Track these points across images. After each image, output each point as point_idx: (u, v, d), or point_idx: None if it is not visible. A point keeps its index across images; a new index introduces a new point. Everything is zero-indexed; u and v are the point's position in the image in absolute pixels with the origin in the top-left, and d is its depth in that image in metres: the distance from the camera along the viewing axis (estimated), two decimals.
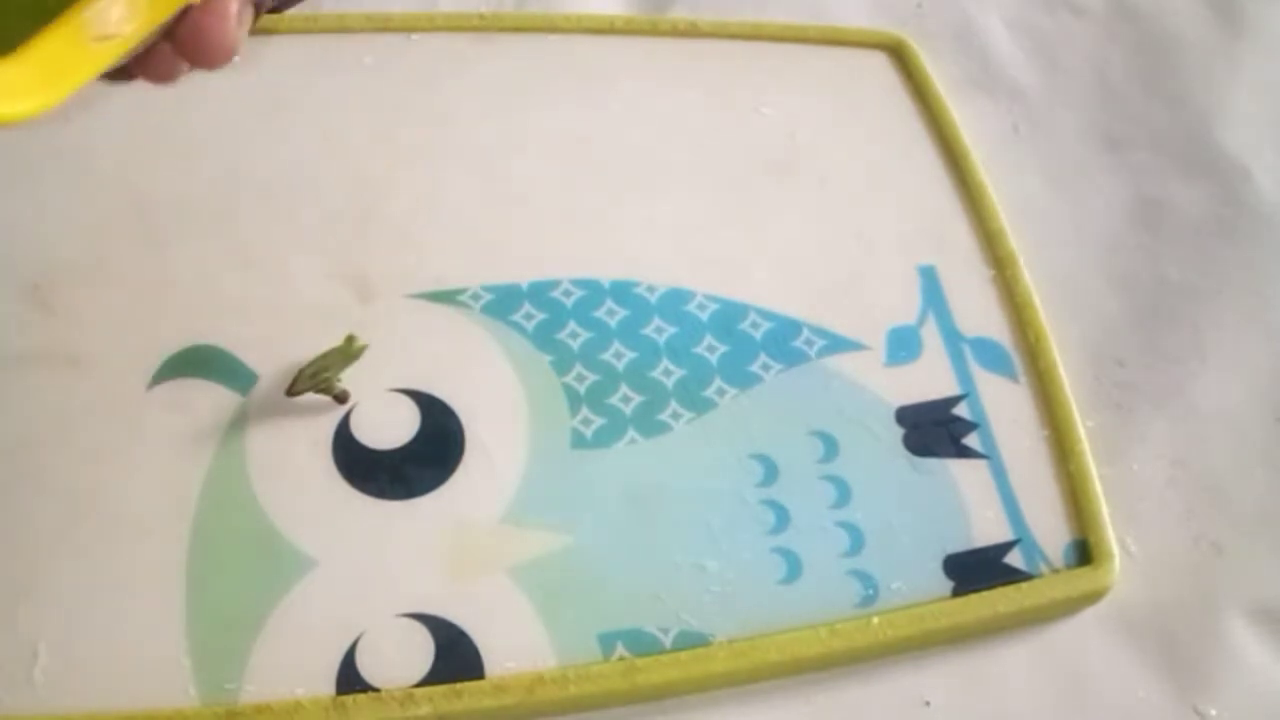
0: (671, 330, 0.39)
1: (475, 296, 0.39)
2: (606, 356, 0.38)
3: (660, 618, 0.33)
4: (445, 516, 0.35)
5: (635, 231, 0.41)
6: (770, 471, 0.36)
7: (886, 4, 0.51)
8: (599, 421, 0.37)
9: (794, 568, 0.34)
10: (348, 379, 0.36)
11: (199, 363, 0.37)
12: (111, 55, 0.23)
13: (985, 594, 0.34)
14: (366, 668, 0.32)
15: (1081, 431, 0.38)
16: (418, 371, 0.37)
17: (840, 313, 0.40)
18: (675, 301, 0.40)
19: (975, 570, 0.35)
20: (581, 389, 0.37)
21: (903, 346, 0.39)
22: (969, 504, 0.36)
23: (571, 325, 0.39)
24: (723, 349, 0.39)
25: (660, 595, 0.34)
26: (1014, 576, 0.35)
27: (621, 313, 0.39)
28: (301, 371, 0.35)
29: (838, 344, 0.39)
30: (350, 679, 0.32)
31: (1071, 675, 0.34)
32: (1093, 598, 0.35)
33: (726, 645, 0.33)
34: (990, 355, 0.39)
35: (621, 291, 0.40)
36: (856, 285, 0.41)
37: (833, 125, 0.46)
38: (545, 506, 0.35)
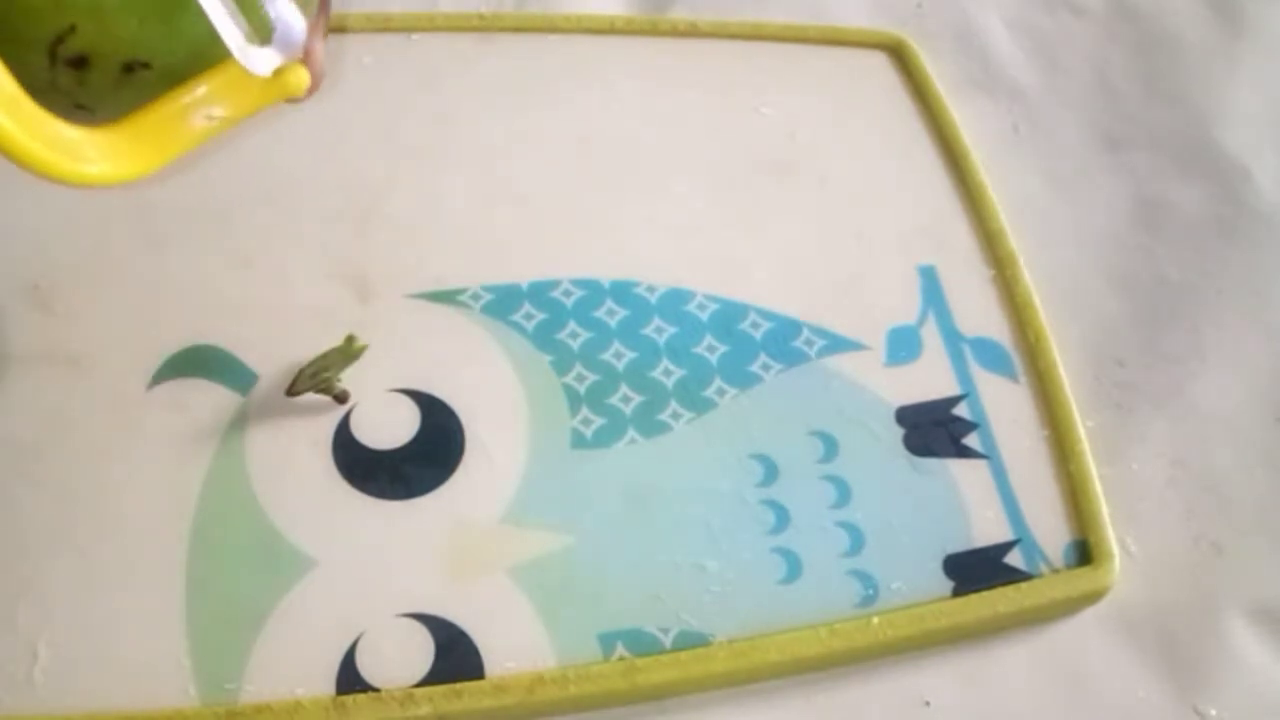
0: (671, 330, 0.39)
1: (475, 296, 0.39)
2: (606, 356, 0.38)
3: (660, 618, 0.33)
4: (445, 516, 0.35)
5: (635, 231, 0.41)
6: (770, 471, 0.36)
7: (886, 4, 0.51)
8: (599, 421, 0.37)
9: (794, 568, 0.34)
10: (348, 379, 0.36)
11: (199, 363, 0.37)
12: (210, 133, 0.25)
13: (985, 594, 0.34)
14: (366, 668, 0.32)
15: (1081, 431, 0.38)
16: (418, 371, 0.37)
17: (840, 313, 0.40)
18: (675, 301, 0.40)
19: (975, 570, 0.35)
20: (581, 389, 0.37)
21: (903, 346, 0.39)
22: (969, 504, 0.36)
23: (571, 325, 0.39)
24: (723, 349, 0.39)
25: (660, 595, 0.34)
26: (1014, 576, 0.35)
27: (621, 313, 0.39)
28: (301, 371, 0.35)
29: (838, 344, 0.39)
30: (350, 679, 0.32)
31: (1071, 675, 0.34)
32: (1093, 598, 0.35)
33: (726, 645, 0.33)
34: (990, 355, 0.39)
35: (621, 291, 0.40)
36: (856, 285, 0.41)
37: (833, 125, 0.46)
38: (545, 506, 0.35)
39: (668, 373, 0.38)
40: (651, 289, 0.40)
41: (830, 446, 0.37)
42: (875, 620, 0.33)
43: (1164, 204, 0.45)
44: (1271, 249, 0.44)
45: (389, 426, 0.36)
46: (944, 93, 0.46)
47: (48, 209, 0.39)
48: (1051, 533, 0.36)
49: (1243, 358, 0.41)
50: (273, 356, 0.37)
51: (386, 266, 0.39)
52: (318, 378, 0.35)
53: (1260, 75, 0.49)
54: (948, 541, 0.35)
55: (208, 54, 0.25)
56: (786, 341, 0.39)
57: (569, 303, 0.39)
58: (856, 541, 0.35)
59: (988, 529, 0.36)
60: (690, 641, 0.33)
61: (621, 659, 0.32)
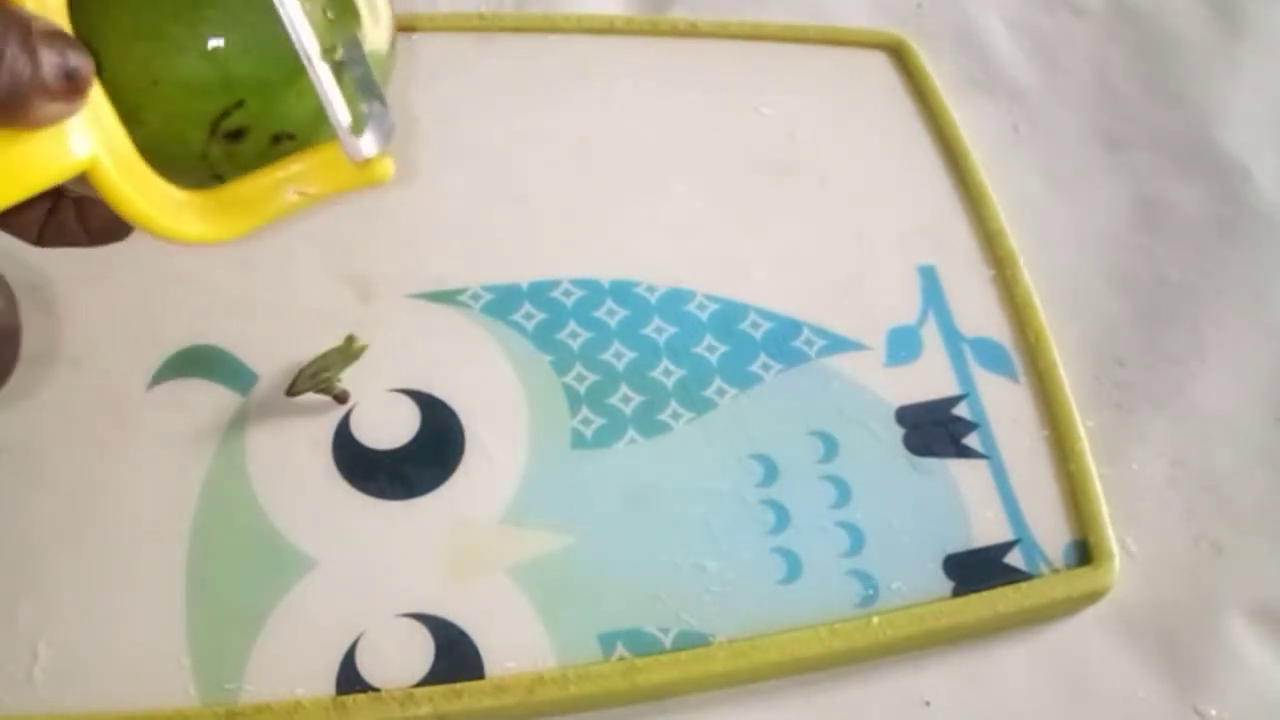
0: (671, 330, 0.39)
1: (475, 296, 0.39)
2: (606, 356, 0.38)
3: (660, 618, 0.33)
4: (445, 516, 0.35)
5: (635, 231, 0.41)
6: (770, 471, 0.36)
7: (886, 4, 0.51)
8: (599, 421, 0.37)
9: (794, 568, 0.34)
10: (348, 379, 0.36)
11: (199, 363, 0.37)
12: (298, 206, 0.27)
13: (985, 594, 0.34)
14: (366, 668, 0.32)
15: (1081, 431, 0.38)
16: (418, 371, 0.37)
17: (840, 313, 0.40)
18: (675, 301, 0.40)
19: (975, 570, 0.35)
20: (581, 389, 0.37)
21: (903, 346, 0.39)
22: (969, 504, 0.36)
23: (571, 325, 0.39)
24: (723, 349, 0.39)
25: (660, 595, 0.34)
26: (1014, 576, 0.35)
27: (621, 313, 0.39)
28: (301, 371, 0.35)
29: (838, 344, 0.39)
30: (350, 679, 0.32)
31: (1071, 675, 0.34)
32: (1093, 598, 0.35)
33: (726, 645, 0.33)
34: (990, 355, 0.39)
35: (621, 291, 0.40)
36: (856, 285, 0.41)
37: (833, 125, 0.46)
38: (545, 506, 0.35)
39: (668, 373, 0.38)
40: (651, 289, 0.40)
41: (830, 446, 0.37)
42: (875, 620, 0.33)
43: (1164, 204, 0.45)
44: (1271, 249, 0.44)
45: (389, 426, 0.36)
46: (944, 93, 0.46)
47: None
48: (1051, 533, 0.36)
49: (1243, 358, 0.41)
50: (273, 356, 0.37)
51: (386, 266, 0.39)
52: (318, 378, 0.35)
53: (1260, 75, 0.49)
54: (948, 541, 0.35)
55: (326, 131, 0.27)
56: (786, 341, 0.39)
57: (569, 303, 0.39)
58: (856, 541, 0.35)
59: (988, 529, 0.36)
60: (690, 641, 0.33)
61: (621, 659, 0.32)
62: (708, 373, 0.38)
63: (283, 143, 0.28)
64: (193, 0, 0.26)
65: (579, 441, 0.36)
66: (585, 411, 0.37)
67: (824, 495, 0.36)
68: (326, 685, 0.32)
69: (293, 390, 0.35)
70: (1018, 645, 0.35)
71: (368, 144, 0.26)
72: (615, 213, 0.42)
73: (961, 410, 0.38)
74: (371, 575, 0.33)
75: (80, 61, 0.21)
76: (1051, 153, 0.47)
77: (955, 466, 0.37)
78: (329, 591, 0.33)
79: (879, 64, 0.48)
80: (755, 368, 0.38)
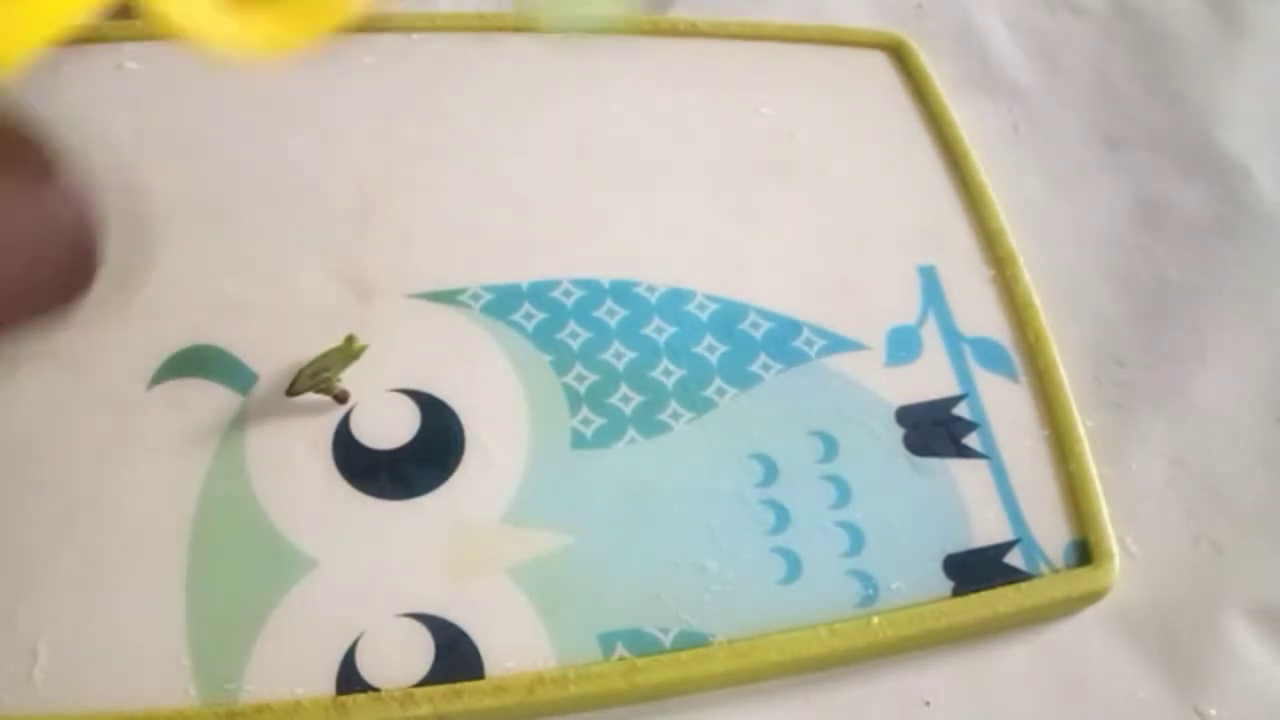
0: (671, 330, 0.39)
1: (475, 296, 0.39)
2: (606, 356, 0.38)
3: (660, 618, 0.33)
4: (445, 516, 0.35)
5: (635, 231, 0.41)
6: (770, 471, 0.36)
7: (886, 4, 0.51)
8: (599, 421, 0.37)
9: (794, 568, 0.34)
10: (348, 379, 0.36)
11: (199, 363, 0.37)
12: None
13: (985, 594, 0.34)
14: (366, 668, 0.32)
15: (1081, 431, 0.38)
16: (418, 371, 0.37)
17: (840, 313, 0.40)
18: (675, 301, 0.40)
19: (975, 570, 0.35)
20: (581, 389, 0.37)
21: (903, 346, 0.39)
22: (969, 504, 0.36)
23: (571, 325, 0.39)
24: (723, 349, 0.39)
25: (660, 595, 0.34)
26: (1014, 576, 0.35)
27: (621, 313, 0.39)
28: (301, 371, 0.35)
29: (838, 344, 0.39)
30: (350, 679, 0.32)
31: (1071, 675, 0.34)
32: (1093, 598, 0.35)
33: (726, 645, 0.33)
34: (990, 355, 0.39)
35: (621, 291, 0.40)
36: (856, 285, 0.41)
37: (833, 125, 0.46)
38: (545, 506, 0.35)
39: (668, 373, 0.38)
40: (651, 289, 0.40)
41: (830, 446, 0.37)
42: (875, 620, 0.33)
43: (1164, 204, 0.45)
44: (1271, 249, 0.44)
45: (389, 426, 0.36)
46: (944, 93, 0.46)
47: None
48: (1051, 533, 0.36)
49: (1243, 358, 0.41)
50: (273, 356, 0.37)
51: (386, 266, 0.39)
52: (318, 378, 0.35)
53: (1260, 75, 0.49)
54: (948, 541, 0.35)
55: None
56: (786, 341, 0.39)
57: (569, 303, 0.39)
58: (856, 541, 0.35)
59: (988, 529, 0.36)
60: (690, 641, 0.33)
61: (621, 659, 0.32)
62: (708, 373, 0.38)
63: None
64: None
65: (579, 441, 0.36)
66: (585, 411, 0.37)
67: (824, 495, 0.36)
68: (326, 685, 0.32)
69: (293, 390, 0.35)
70: (1018, 645, 0.35)
71: None
72: (615, 213, 0.42)
73: (961, 410, 0.38)
74: (371, 575, 0.33)
75: None
76: (1051, 153, 0.47)
77: (955, 466, 0.37)
78: (329, 591, 0.33)
79: (879, 64, 0.48)
80: (755, 368, 0.38)
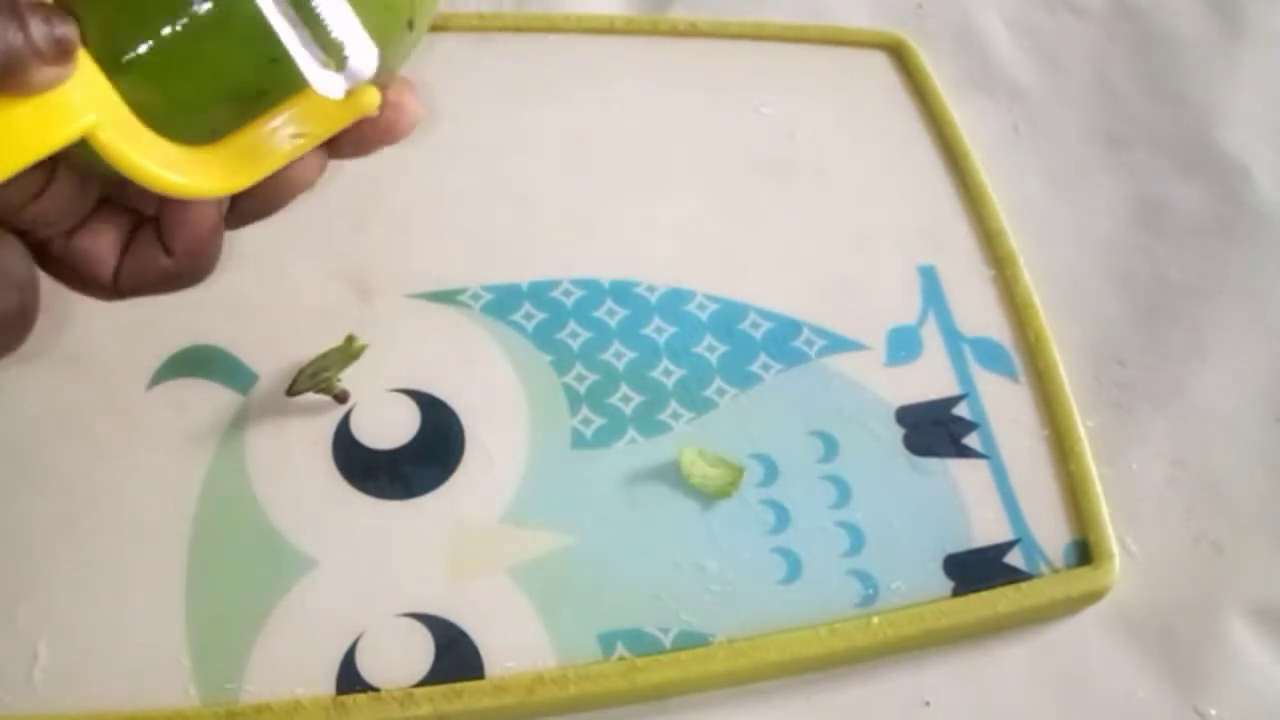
0: (671, 330, 0.39)
1: (475, 296, 0.39)
2: (606, 356, 0.38)
3: (660, 618, 0.33)
4: (445, 516, 0.35)
5: (635, 231, 0.41)
6: (770, 471, 0.36)
7: (886, 4, 0.51)
8: (599, 421, 0.37)
9: (794, 568, 0.34)
10: (348, 379, 0.36)
11: (199, 363, 0.37)
12: (296, 151, 0.27)
13: (985, 594, 0.34)
14: (366, 667, 0.32)
15: (1081, 431, 0.38)
16: (418, 371, 0.37)
17: (840, 313, 0.40)
18: (675, 301, 0.40)
19: (975, 570, 0.35)
20: (581, 389, 0.37)
21: (903, 346, 0.39)
22: (969, 504, 0.36)
23: (571, 325, 0.39)
24: (723, 349, 0.39)
25: (660, 595, 0.34)
26: (1014, 576, 0.35)
27: (621, 312, 0.39)
28: (301, 371, 0.35)
29: (838, 344, 0.39)
30: (350, 679, 0.32)
31: (1071, 675, 0.34)
32: (1093, 598, 0.35)
33: (726, 645, 0.33)
34: (990, 355, 0.39)
35: (621, 291, 0.40)
36: (856, 285, 0.41)
37: (833, 125, 0.46)
38: (545, 506, 0.35)
39: (668, 373, 0.38)
40: (651, 289, 0.40)
41: (830, 446, 0.37)
42: (875, 620, 0.33)
43: (1164, 204, 0.45)
44: (1271, 249, 0.44)
45: (389, 426, 0.36)
46: (944, 93, 0.46)
47: None
48: (1051, 532, 0.36)
49: (1243, 358, 0.41)
50: (273, 356, 0.37)
51: (386, 266, 0.39)
52: (318, 378, 0.35)
53: (1260, 75, 0.49)
54: (948, 541, 0.35)
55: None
56: (786, 341, 0.39)
57: (569, 303, 0.39)
58: (856, 541, 0.35)
59: (988, 529, 0.36)
60: (690, 641, 0.33)
61: (621, 659, 0.32)
62: (708, 373, 0.38)
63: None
64: None
65: (579, 441, 0.36)
66: (585, 411, 0.37)
67: (824, 495, 0.36)
68: (326, 685, 0.32)
69: (293, 390, 0.35)
70: (1017, 645, 0.35)
71: (336, 80, 0.26)
72: (615, 213, 0.42)
73: (961, 410, 0.38)
74: (371, 575, 0.33)
75: (66, 28, 0.22)
76: (1051, 153, 0.47)
77: (955, 466, 0.37)
78: (329, 591, 0.33)
79: (879, 64, 0.48)
80: (755, 368, 0.38)
